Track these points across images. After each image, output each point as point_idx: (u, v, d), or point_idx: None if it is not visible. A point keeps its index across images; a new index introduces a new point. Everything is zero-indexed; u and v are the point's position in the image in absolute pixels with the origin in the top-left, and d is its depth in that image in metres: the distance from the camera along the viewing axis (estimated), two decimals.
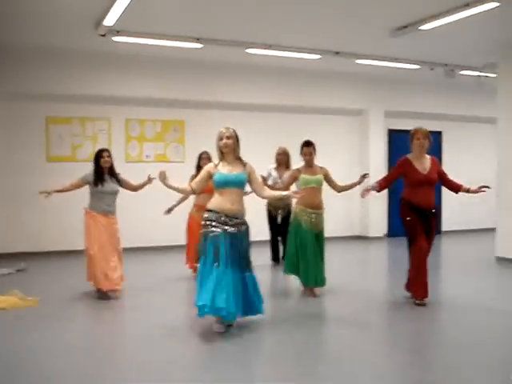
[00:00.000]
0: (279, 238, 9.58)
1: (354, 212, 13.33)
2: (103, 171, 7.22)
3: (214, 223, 5.50)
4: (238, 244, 5.58)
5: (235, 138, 5.71)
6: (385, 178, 6.97)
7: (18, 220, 10.58)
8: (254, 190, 5.85)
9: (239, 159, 5.75)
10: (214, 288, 5.27)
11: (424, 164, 6.68)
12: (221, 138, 5.67)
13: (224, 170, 5.64)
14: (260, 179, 6.09)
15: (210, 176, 5.68)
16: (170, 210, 8.35)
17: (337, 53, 10.68)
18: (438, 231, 13.14)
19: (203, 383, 4.32)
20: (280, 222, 9.47)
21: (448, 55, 11.15)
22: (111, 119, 11.36)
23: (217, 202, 5.59)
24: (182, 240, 8.76)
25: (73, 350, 5.10)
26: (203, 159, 8.20)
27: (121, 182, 7.40)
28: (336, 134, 13.24)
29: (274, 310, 6.48)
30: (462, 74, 12.15)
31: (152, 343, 5.26)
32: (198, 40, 9.67)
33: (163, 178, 5.46)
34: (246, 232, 5.72)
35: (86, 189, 7.22)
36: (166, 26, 9.12)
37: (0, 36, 9.47)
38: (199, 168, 8.00)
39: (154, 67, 11.18)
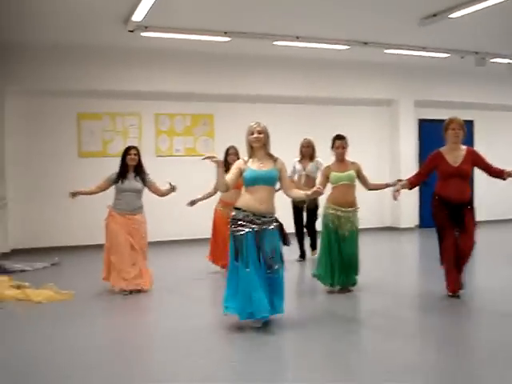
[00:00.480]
0: (305, 230, 9.42)
1: (385, 203, 13.21)
2: (127, 169, 7.19)
3: (240, 222, 5.41)
4: (266, 242, 5.43)
5: (266, 133, 5.57)
6: (416, 175, 6.85)
7: (50, 215, 10.74)
8: (281, 188, 5.74)
9: (269, 155, 5.63)
10: (249, 292, 5.25)
11: (456, 156, 6.38)
12: (251, 133, 5.54)
13: (254, 166, 5.52)
14: (288, 178, 5.99)
15: (240, 173, 5.54)
16: (192, 203, 8.14)
17: (365, 43, 10.59)
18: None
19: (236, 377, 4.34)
20: (306, 214, 9.30)
21: (478, 43, 10.98)
22: (141, 114, 11.46)
23: (245, 200, 5.49)
24: (206, 234, 8.72)
25: (96, 348, 5.09)
26: (230, 154, 8.09)
27: (146, 183, 7.29)
28: (365, 124, 13.16)
29: (301, 307, 6.49)
30: (493, 62, 11.96)
31: (180, 341, 5.21)
32: (225, 33, 9.69)
33: (219, 162, 5.35)
34: (276, 230, 5.56)
35: None
36: (193, 20, 9.15)
37: (34, 34, 9.63)
38: (226, 163, 7.76)
39: (183, 61, 11.23)
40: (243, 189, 5.59)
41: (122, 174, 7.16)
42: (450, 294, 6.47)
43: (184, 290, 7.44)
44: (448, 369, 4.42)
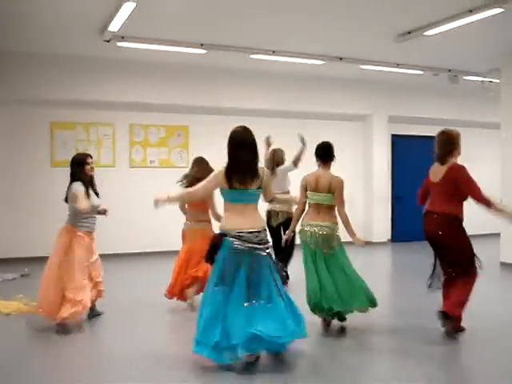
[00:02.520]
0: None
1: (358, 217, 13.28)
2: (91, 180, 6.31)
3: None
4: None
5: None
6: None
7: (21, 225, 10.60)
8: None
9: None
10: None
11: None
12: None
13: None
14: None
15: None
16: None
17: (340, 58, 10.69)
18: None
19: None
20: (283, 230, 8.09)
21: (452, 61, 11.15)
22: (115, 124, 11.39)
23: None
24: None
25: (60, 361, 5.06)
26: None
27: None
28: (339, 139, 13.11)
29: None
30: (466, 80, 12.15)
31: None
32: (201, 46, 9.69)
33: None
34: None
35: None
36: (170, 31, 9.14)
37: (5, 43, 9.52)
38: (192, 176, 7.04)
39: (158, 73, 11.20)
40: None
41: (88, 188, 6.19)
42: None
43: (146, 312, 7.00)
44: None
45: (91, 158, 6.36)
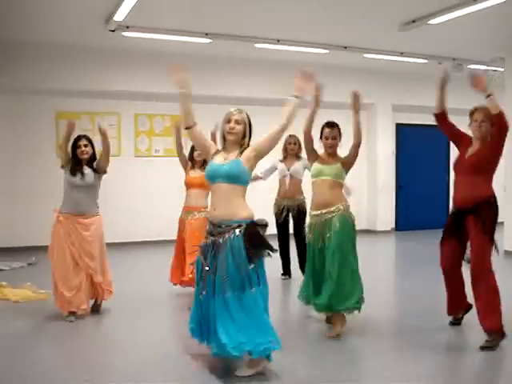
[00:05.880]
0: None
1: (362, 205, 13.33)
2: (81, 163, 6.09)
3: (206, 235, 4.42)
4: (224, 258, 4.18)
5: (246, 125, 4.63)
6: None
7: (28, 214, 10.67)
8: (268, 141, 4.79)
9: (241, 145, 4.61)
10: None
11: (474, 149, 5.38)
12: (228, 121, 4.57)
13: (217, 159, 4.52)
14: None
15: (207, 150, 4.73)
16: None
17: (345, 47, 10.69)
18: None
19: None
20: (292, 222, 7.99)
21: (456, 49, 11.14)
22: (121, 114, 11.45)
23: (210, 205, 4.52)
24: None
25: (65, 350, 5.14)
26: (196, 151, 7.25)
27: (98, 168, 6.22)
28: (343, 128, 13.16)
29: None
30: (470, 68, 12.13)
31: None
32: (206, 35, 9.71)
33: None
34: (237, 240, 4.21)
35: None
36: (175, 21, 9.16)
37: (11, 32, 9.55)
38: (192, 160, 7.37)
39: (163, 62, 11.02)
40: None
41: (76, 167, 6.02)
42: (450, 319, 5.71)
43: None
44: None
45: (84, 139, 6.11)
